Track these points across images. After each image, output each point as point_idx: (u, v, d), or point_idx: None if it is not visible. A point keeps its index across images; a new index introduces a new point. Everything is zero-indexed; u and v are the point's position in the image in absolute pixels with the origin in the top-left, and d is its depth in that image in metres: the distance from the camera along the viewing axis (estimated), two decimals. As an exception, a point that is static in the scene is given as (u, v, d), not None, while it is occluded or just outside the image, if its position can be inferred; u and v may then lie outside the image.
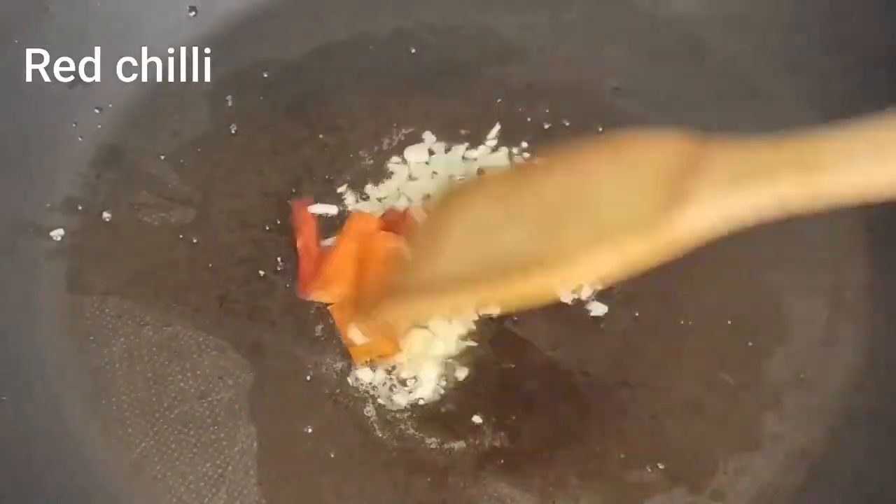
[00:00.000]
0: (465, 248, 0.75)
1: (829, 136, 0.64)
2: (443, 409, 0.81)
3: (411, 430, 0.80)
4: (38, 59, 0.95)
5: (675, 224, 0.65)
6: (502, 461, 0.78)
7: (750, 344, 0.83)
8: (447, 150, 0.95)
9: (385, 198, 0.92)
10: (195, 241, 0.91)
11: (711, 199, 0.65)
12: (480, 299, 0.74)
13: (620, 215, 0.68)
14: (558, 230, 0.70)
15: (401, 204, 0.90)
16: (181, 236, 0.91)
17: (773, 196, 0.64)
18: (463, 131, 0.96)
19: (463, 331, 0.84)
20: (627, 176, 0.70)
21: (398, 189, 0.92)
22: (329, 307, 0.85)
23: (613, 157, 0.72)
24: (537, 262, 0.69)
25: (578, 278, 0.69)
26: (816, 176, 0.63)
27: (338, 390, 0.82)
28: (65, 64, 0.96)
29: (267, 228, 0.91)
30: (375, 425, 0.80)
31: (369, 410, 0.81)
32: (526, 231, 0.72)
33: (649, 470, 0.78)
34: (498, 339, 0.84)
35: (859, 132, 0.63)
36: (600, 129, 0.97)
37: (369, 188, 0.93)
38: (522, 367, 0.83)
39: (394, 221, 0.87)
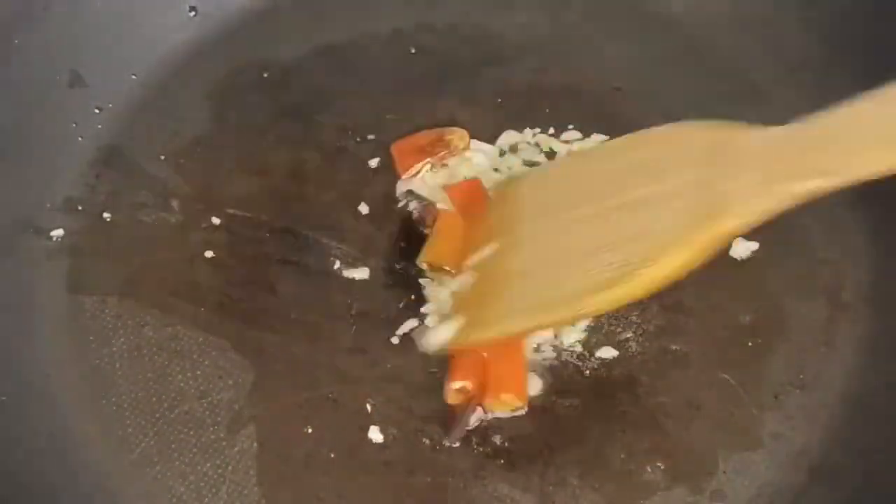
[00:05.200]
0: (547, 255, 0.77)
1: (845, 117, 0.66)
2: (443, 410, 0.81)
3: (411, 430, 0.80)
4: (38, 59, 0.95)
5: (715, 231, 0.68)
6: (502, 461, 0.78)
7: (750, 344, 0.84)
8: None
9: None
10: (195, 240, 0.91)
11: (747, 204, 0.67)
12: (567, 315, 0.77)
13: (666, 226, 0.71)
14: (615, 245, 0.73)
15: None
16: (181, 236, 0.91)
17: (805, 192, 0.66)
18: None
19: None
20: (666, 177, 0.73)
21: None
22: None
23: (650, 155, 0.76)
24: (606, 279, 0.71)
25: (634, 295, 0.72)
26: (846, 163, 0.65)
27: (338, 390, 0.82)
28: (65, 64, 0.96)
29: (267, 228, 0.91)
30: (375, 424, 0.80)
31: (370, 410, 0.81)
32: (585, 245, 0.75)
33: (649, 470, 0.78)
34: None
35: (861, 110, 0.65)
36: (602, 133, 0.97)
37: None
38: (522, 367, 0.83)
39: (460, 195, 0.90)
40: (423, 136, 0.94)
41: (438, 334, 0.81)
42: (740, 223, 0.68)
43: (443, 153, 0.92)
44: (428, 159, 0.92)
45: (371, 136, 0.97)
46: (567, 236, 0.77)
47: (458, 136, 0.93)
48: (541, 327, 0.79)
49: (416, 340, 0.83)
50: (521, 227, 0.81)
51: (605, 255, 0.72)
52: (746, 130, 0.71)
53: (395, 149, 0.94)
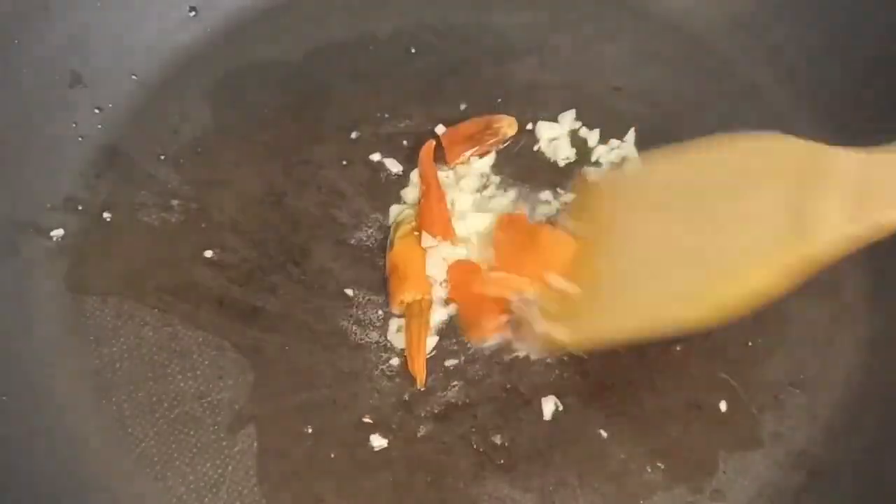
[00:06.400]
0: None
1: None
2: (443, 410, 0.81)
3: (411, 430, 0.80)
4: (38, 59, 0.95)
5: (800, 255, 0.65)
6: (502, 461, 0.79)
7: (750, 344, 0.84)
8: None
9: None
10: (195, 240, 0.91)
11: (835, 230, 0.64)
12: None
13: (752, 244, 0.68)
14: (705, 256, 0.70)
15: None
16: (181, 236, 0.91)
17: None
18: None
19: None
20: (756, 193, 0.69)
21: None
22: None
23: (741, 167, 0.72)
24: (692, 294, 0.69)
25: (728, 307, 0.69)
26: None
27: (338, 390, 0.82)
28: (65, 64, 0.96)
29: (267, 228, 0.91)
30: (375, 425, 0.80)
31: (369, 409, 0.81)
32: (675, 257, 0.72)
33: (649, 470, 0.78)
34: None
35: None
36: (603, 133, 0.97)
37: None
38: (522, 367, 0.83)
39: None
40: (472, 125, 0.95)
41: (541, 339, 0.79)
42: (826, 249, 0.65)
43: (491, 141, 0.94)
44: (476, 147, 0.93)
45: (371, 136, 0.97)
46: (655, 245, 0.74)
47: (506, 123, 0.95)
48: (630, 332, 0.75)
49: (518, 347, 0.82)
50: (612, 229, 0.78)
51: (689, 269, 0.70)
52: (839, 151, 0.68)
53: (445, 138, 0.95)
